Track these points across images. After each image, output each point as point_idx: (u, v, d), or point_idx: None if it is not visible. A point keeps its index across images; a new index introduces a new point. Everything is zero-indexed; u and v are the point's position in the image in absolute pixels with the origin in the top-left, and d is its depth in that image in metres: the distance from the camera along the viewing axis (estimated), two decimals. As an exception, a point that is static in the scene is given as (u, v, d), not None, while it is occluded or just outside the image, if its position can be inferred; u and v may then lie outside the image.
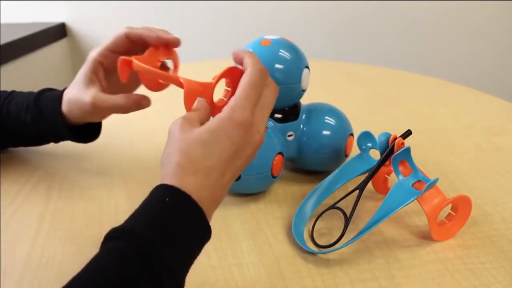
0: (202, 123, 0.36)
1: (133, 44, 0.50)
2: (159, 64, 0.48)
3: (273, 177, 0.51)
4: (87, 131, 0.57)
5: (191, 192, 0.33)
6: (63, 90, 0.54)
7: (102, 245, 0.32)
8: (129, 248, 0.30)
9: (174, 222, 0.32)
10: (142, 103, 0.51)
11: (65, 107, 0.53)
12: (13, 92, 0.57)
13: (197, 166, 0.34)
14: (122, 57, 0.43)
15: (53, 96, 0.54)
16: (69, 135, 0.55)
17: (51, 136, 0.56)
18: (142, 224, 0.31)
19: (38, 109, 0.54)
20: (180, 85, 0.39)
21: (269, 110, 0.38)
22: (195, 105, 0.38)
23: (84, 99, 0.50)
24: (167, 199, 0.32)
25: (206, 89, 0.38)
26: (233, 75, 0.39)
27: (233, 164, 0.35)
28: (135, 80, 0.51)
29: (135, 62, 0.42)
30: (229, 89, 0.40)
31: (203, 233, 0.34)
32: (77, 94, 0.51)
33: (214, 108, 0.39)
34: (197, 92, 0.38)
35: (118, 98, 0.50)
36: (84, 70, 0.52)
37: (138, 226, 0.31)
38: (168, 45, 0.49)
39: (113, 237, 0.31)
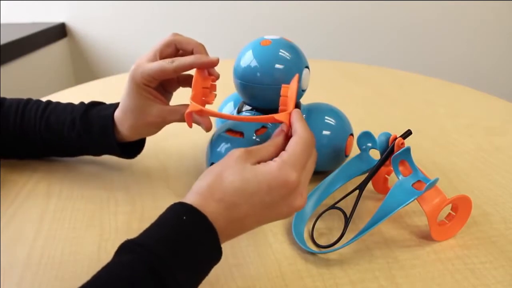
0: (259, 163, 0.36)
1: (177, 73, 0.48)
2: (207, 90, 0.48)
3: None
4: (132, 145, 0.55)
5: (207, 216, 0.33)
6: (113, 109, 0.52)
7: (114, 255, 0.32)
8: (140, 263, 0.30)
9: (188, 241, 0.32)
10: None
11: (124, 131, 0.51)
12: (50, 102, 0.56)
13: (225, 196, 0.34)
14: (187, 112, 0.45)
15: (103, 115, 0.52)
16: (118, 152, 0.53)
17: (95, 152, 0.56)
18: (156, 240, 0.32)
19: (86, 128, 0.52)
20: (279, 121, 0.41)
21: (310, 177, 0.38)
22: (267, 143, 0.39)
23: (150, 120, 0.49)
24: (184, 217, 0.33)
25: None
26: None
27: (262, 212, 0.35)
28: (176, 83, 0.52)
29: (208, 111, 0.45)
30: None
31: (215, 255, 0.34)
32: (139, 119, 0.49)
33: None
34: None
35: (184, 108, 0.48)
36: (135, 93, 0.48)
37: (152, 241, 0.31)
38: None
39: (126, 249, 0.31)
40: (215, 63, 0.47)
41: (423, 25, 1.70)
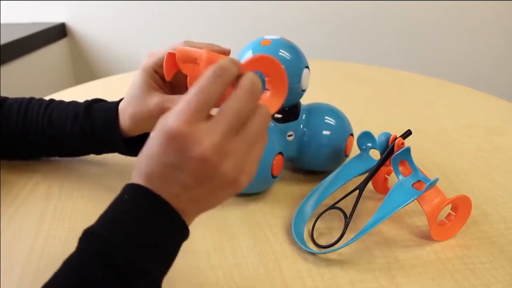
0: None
1: None
2: None
3: (273, 177, 0.51)
4: (136, 142, 0.54)
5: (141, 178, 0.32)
6: (118, 102, 0.52)
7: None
8: (88, 249, 0.30)
9: (130, 217, 0.31)
10: None
11: (126, 121, 0.50)
12: (52, 101, 0.56)
13: (141, 169, 0.32)
14: (168, 51, 0.43)
15: (107, 107, 0.52)
16: (122, 147, 0.53)
17: (98, 147, 0.55)
18: (99, 223, 0.31)
19: (89, 119, 0.52)
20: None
21: (253, 143, 0.32)
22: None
23: (150, 108, 0.48)
24: (125, 196, 0.32)
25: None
26: (267, 68, 0.34)
27: (168, 172, 0.30)
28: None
29: (179, 49, 0.40)
30: (268, 90, 0.36)
31: (167, 225, 0.31)
32: (140, 106, 0.49)
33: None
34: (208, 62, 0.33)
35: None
36: (141, 80, 0.49)
37: (95, 224, 0.31)
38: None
39: (80, 239, 0.31)
40: (227, 52, 0.47)
41: (423, 25, 1.69)
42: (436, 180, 0.42)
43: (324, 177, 0.51)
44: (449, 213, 0.46)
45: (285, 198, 0.53)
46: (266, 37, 0.51)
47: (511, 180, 0.56)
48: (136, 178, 0.32)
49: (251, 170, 0.32)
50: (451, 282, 0.40)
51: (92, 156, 0.60)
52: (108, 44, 1.68)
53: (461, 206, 0.45)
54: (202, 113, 0.30)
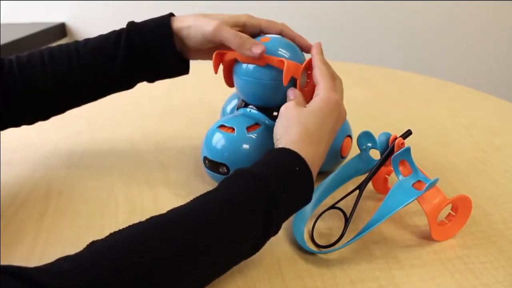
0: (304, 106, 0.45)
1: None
2: None
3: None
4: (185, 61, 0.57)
5: (308, 158, 0.40)
6: (169, 17, 0.55)
7: (231, 181, 0.38)
8: (260, 187, 0.37)
9: (295, 188, 0.39)
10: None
11: (182, 31, 0.53)
12: (77, 41, 0.54)
13: (312, 136, 0.42)
14: (217, 51, 0.50)
15: (158, 21, 0.54)
16: (174, 52, 0.53)
17: (145, 61, 0.53)
18: (273, 177, 0.38)
19: (138, 29, 0.53)
20: (279, 65, 0.47)
21: (342, 97, 0.48)
22: (296, 95, 0.47)
23: (208, 25, 0.52)
24: (297, 168, 0.39)
25: (298, 69, 0.47)
26: (310, 66, 0.49)
27: (332, 134, 0.44)
28: None
29: (230, 53, 0.50)
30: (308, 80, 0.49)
31: (306, 202, 0.41)
32: (200, 21, 0.53)
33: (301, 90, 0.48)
34: (291, 71, 0.47)
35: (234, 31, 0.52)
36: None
37: (268, 174, 0.38)
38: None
39: (244, 175, 0.38)
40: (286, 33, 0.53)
41: (423, 25, 1.70)
42: (436, 180, 0.42)
43: (324, 177, 0.51)
44: (449, 213, 0.46)
45: (285, 198, 0.52)
46: (266, 35, 0.51)
47: (511, 180, 0.56)
48: (304, 147, 0.41)
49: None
50: (451, 282, 0.40)
51: (92, 156, 0.60)
52: (108, 44, 1.68)
53: (461, 206, 0.45)
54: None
